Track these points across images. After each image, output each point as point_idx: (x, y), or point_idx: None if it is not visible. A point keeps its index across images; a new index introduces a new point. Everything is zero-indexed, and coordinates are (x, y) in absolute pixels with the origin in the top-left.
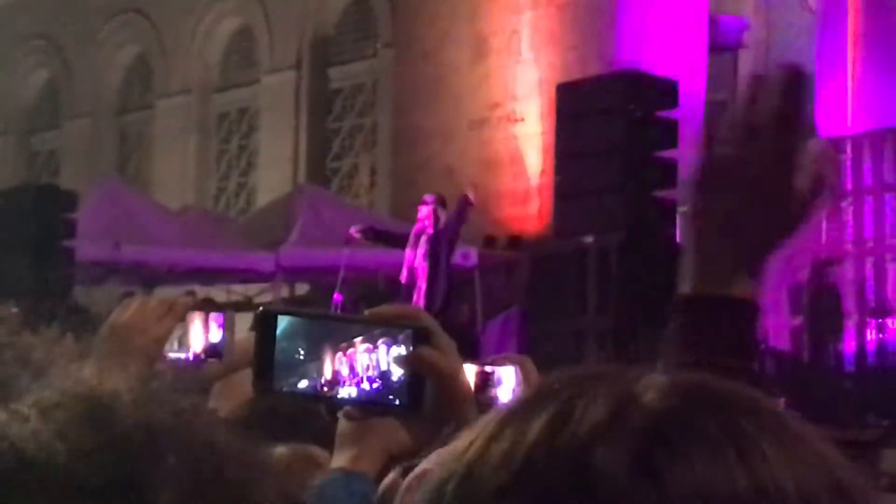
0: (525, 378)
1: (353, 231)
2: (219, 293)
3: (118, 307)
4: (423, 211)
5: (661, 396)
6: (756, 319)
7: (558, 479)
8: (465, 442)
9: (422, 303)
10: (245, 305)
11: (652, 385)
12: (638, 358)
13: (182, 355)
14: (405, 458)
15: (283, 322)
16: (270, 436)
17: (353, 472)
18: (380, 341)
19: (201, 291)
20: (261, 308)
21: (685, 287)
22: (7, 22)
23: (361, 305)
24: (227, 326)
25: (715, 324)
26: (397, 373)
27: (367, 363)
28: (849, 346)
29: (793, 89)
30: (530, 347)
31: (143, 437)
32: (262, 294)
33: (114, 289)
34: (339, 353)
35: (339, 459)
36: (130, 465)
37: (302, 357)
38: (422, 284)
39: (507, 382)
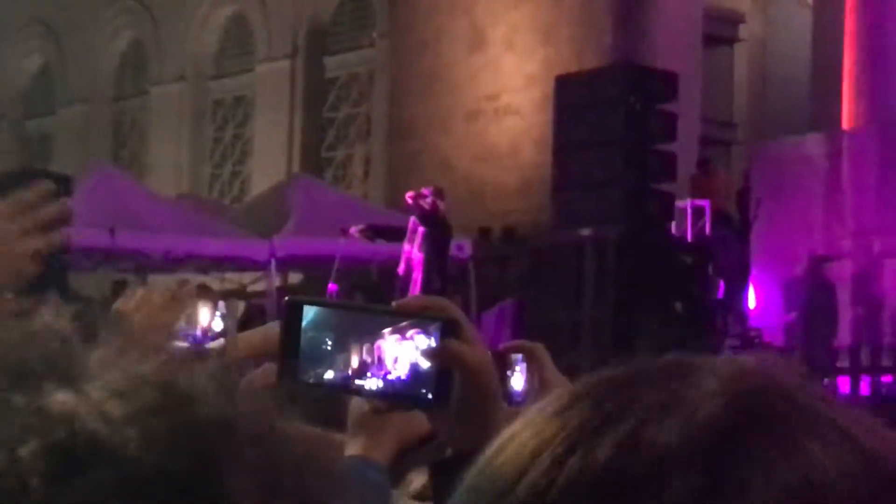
0: (536, 366)
1: (353, 231)
2: (213, 281)
3: (122, 296)
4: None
5: (721, 411)
6: None
7: None
8: (519, 463)
9: (418, 293)
10: (238, 293)
11: (709, 393)
12: (635, 349)
13: (187, 336)
14: (416, 448)
15: (310, 312)
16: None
17: (368, 461)
18: (409, 333)
19: (195, 279)
20: (287, 297)
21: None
22: (2, 8)
23: (356, 295)
24: (231, 314)
25: None
26: (425, 365)
27: (395, 355)
28: (842, 342)
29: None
30: (526, 339)
31: (222, 430)
32: (256, 282)
33: (105, 275)
34: (367, 345)
35: (354, 447)
36: (207, 457)
37: (329, 348)
38: (417, 276)
39: (519, 370)
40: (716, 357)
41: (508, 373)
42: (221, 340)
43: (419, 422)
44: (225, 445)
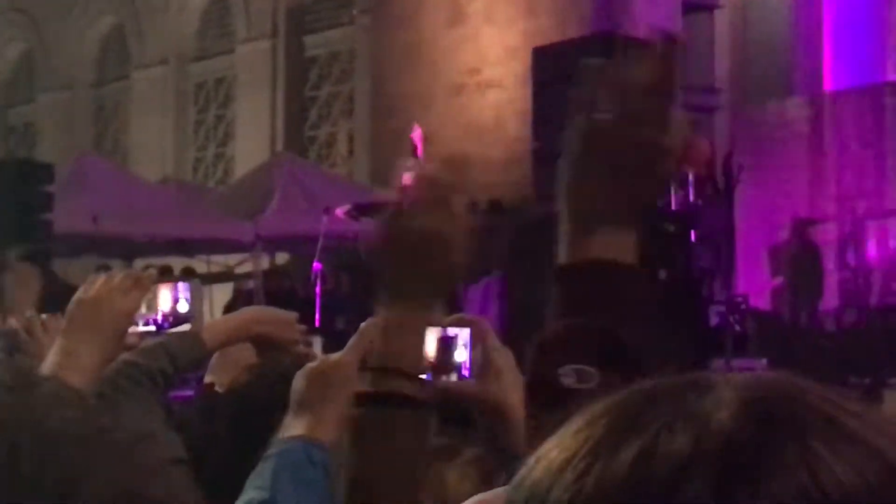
0: (479, 338)
1: (339, 212)
2: (199, 264)
3: (84, 283)
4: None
5: (733, 419)
6: (631, 279)
7: None
8: (548, 477)
9: None
10: (225, 276)
11: (723, 403)
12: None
13: (150, 320)
14: None
15: None
16: (276, 401)
17: (312, 440)
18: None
19: (181, 263)
20: None
21: (562, 256)
22: None
23: (342, 274)
24: (196, 294)
25: (592, 289)
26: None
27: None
28: (829, 305)
29: (667, 55)
30: (512, 312)
31: None
32: (243, 264)
33: (91, 262)
34: None
35: (297, 427)
36: None
37: None
38: None
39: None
40: (736, 373)
41: (451, 345)
42: (188, 325)
43: None
44: None
